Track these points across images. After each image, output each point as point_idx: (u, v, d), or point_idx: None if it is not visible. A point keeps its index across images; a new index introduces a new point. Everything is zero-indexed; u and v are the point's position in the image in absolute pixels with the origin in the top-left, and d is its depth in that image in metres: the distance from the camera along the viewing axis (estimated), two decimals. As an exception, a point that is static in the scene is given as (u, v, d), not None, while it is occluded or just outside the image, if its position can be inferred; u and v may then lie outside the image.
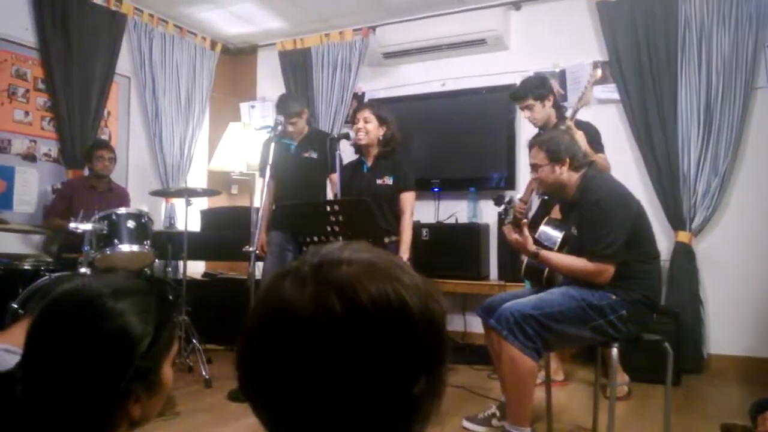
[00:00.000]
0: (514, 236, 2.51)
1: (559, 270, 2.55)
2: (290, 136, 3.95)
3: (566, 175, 2.51)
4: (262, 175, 3.86)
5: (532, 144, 2.61)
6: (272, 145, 3.59)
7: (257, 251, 3.91)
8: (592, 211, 2.41)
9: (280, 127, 3.70)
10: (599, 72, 3.11)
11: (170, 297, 1.04)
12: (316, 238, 2.84)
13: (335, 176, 4.02)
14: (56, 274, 3.18)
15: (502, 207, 2.60)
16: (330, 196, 4.02)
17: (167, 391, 1.01)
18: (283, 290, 0.64)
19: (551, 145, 2.50)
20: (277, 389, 0.62)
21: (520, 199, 3.78)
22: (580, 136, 3.05)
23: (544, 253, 2.50)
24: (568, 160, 2.48)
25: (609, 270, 2.37)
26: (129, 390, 0.91)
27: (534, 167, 2.58)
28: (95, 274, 1.40)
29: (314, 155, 3.90)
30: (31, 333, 0.93)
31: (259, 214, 3.65)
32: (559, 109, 3.54)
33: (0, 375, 0.96)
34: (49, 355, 0.90)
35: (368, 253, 0.67)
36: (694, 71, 4.17)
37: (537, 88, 3.45)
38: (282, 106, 3.90)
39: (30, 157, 4.40)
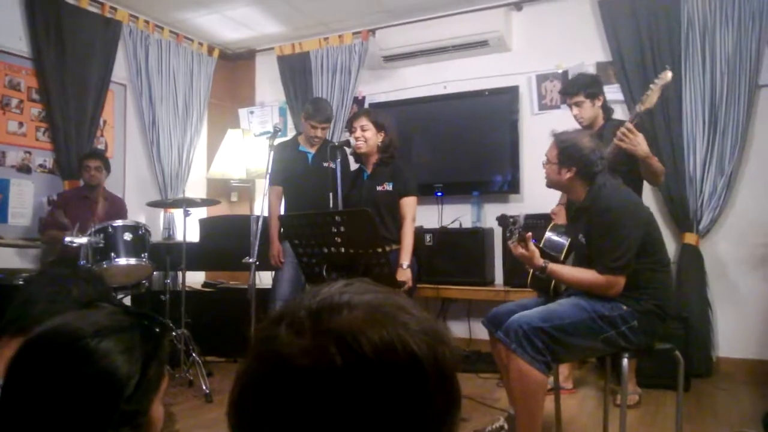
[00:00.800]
0: (520, 251, 2.43)
1: (568, 283, 2.49)
2: (310, 142, 3.92)
3: (569, 180, 2.46)
4: (272, 182, 3.82)
5: (553, 136, 2.55)
6: (271, 150, 3.55)
7: (275, 261, 3.87)
8: (602, 221, 2.36)
9: (313, 135, 3.78)
10: (669, 74, 2.94)
11: (156, 329, 0.96)
12: (317, 249, 2.77)
13: None
14: (26, 276, 3.10)
15: (508, 229, 2.51)
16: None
17: (159, 428, 0.95)
18: (279, 339, 0.59)
19: (566, 148, 2.44)
20: None
21: (559, 203, 3.66)
22: (641, 139, 2.98)
23: (552, 266, 2.44)
24: (575, 168, 2.42)
25: (620, 282, 2.31)
26: None
27: (545, 159, 2.54)
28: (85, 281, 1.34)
29: (333, 165, 3.86)
30: (8, 377, 0.87)
31: (268, 222, 3.59)
32: (607, 110, 3.45)
33: None
34: (29, 399, 0.84)
35: (370, 295, 0.62)
36: (698, 71, 4.11)
37: (589, 86, 3.37)
38: (318, 110, 3.88)
39: (25, 169, 4.33)
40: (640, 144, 2.97)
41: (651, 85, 2.99)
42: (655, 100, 2.98)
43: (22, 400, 0.84)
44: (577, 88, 3.37)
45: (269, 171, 3.60)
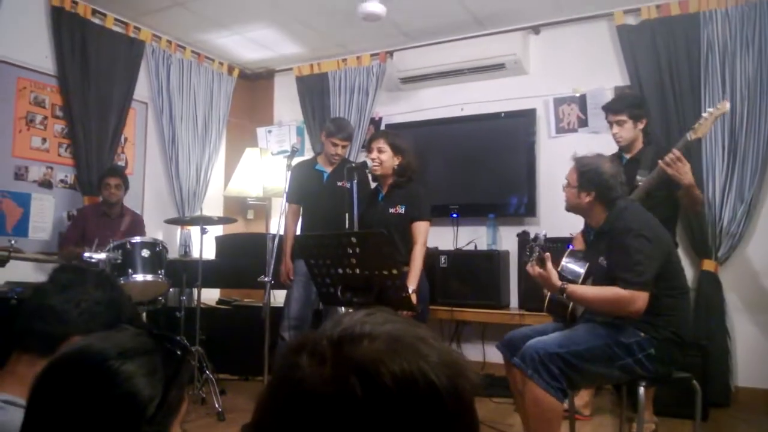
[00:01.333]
0: (538, 271, 2.43)
1: (587, 304, 2.44)
2: (329, 161, 3.95)
3: (589, 204, 2.46)
4: (289, 200, 3.85)
5: (574, 160, 2.54)
6: (289, 170, 3.58)
7: (284, 279, 3.88)
8: (624, 241, 2.33)
9: (333, 153, 3.80)
10: (728, 105, 2.92)
11: (178, 352, 0.97)
12: (332, 269, 2.77)
13: None
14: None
15: (528, 246, 2.51)
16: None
17: None
18: (300, 368, 0.59)
19: (586, 171, 2.44)
20: None
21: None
22: (688, 168, 2.96)
23: (572, 287, 2.42)
24: (594, 193, 2.42)
25: (642, 297, 2.26)
26: None
27: (565, 182, 2.54)
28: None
29: (347, 185, 3.88)
30: (33, 396, 0.87)
31: (282, 240, 3.59)
32: (648, 135, 3.41)
33: None
34: (53, 421, 0.84)
35: (391, 325, 0.62)
36: (718, 95, 4.06)
37: (635, 107, 3.32)
38: (339, 128, 3.91)
39: (46, 184, 4.40)
40: (687, 173, 2.95)
41: (704, 114, 2.97)
42: (707, 129, 2.96)
43: (46, 421, 0.85)
44: (621, 106, 3.31)
45: (287, 189, 3.62)
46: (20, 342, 1.28)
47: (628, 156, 3.36)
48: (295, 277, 3.89)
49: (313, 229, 3.80)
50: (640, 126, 3.31)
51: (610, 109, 3.37)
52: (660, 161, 2.95)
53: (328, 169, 4.01)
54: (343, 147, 3.93)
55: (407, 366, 0.57)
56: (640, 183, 3.08)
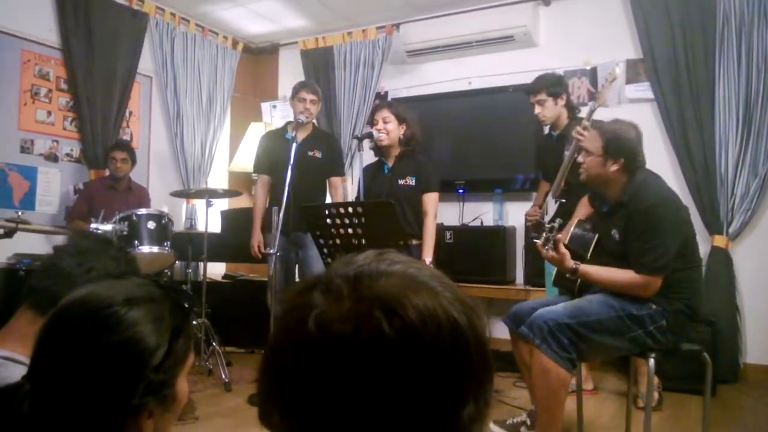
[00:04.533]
0: (551, 254, 2.35)
1: (600, 284, 2.37)
2: (300, 121, 3.72)
3: (614, 174, 2.33)
4: (258, 170, 3.79)
5: (594, 126, 2.47)
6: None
7: (254, 251, 3.81)
8: (642, 220, 2.25)
9: (300, 117, 3.64)
10: (617, 70, 3.02)
11: (186, 304, 0.97)
12: (338, 241, 2.75)
13: (337, 179, 3.92)
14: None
15: (544, 236, 2.37)
16: (331, 199, 3.92)
17: (182, 405, 0.94)
18: (315, 305, 0.56)
19: (613, 138, 2.32)
20: (311, 418, 0.55)
21: (534, 204, 3.68)
22: (595, 137, 2.94)
23: (584, 267, 2.35)
24: (623, 160, 2.30)
25: (656, 283, 2.23)
26: (142, 405, 0.84)
27: (585, 151, 2.42)
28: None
29: (318, 155, 3.81)
30: (38, 344, 0.87)
31: (254, 212, 3.51)
32: (572, 109, 3.50)
33: (4, 390, 0.88)
34: (57, 368, 0.84)
35: (404, 265, 0.60)
36: (733, 68, 3.99)
37: (553, 84, 3.42)
38: (303, 83, 3.88)
39: (52, 158, 4.39)
40: (593, 142, 2.93)
41: (603, 83, 3.06)
42: (606, 97, 3.05)
43: (52, 366, 0.85)
44: (539, 86, 3.43)
45: (254, 160, 3.54)
46: (26, 298, 1.28)
47: (556, 133, 3.49)
48: (277, 251, 3.70)
49: (281, 200, 3.49)
50: (561, 102, 3.43)
51: (529, 90, 3.49)
52: (573, 133, 2.98)
53: (300, 138, 3.73)
54: (312, 102, 3.74)
55: (429, 302, 0.56)
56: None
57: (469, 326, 0.57)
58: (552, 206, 3.48)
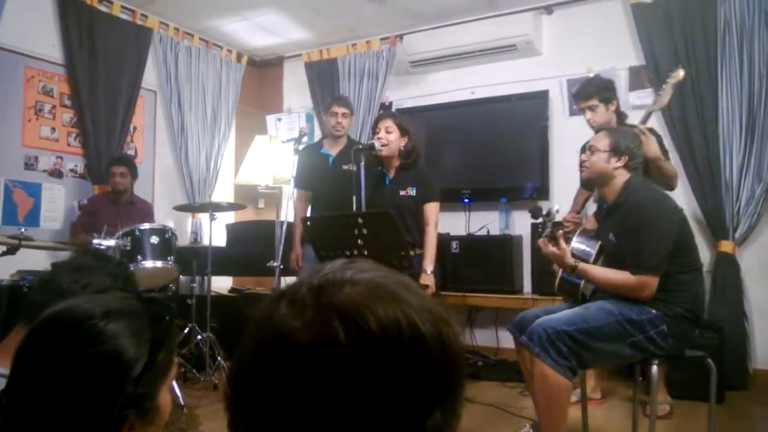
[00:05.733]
0: (550, 249, 2.40)
1: (598, 284, 2.42)
2: (333, 138, 3.88)
3: (617, 171, 2.41)
4: (297, 186, 3.81)
5: (600, 129, 2.56)
6: (296, 154, 3.54)
7: (293, 264, 3.86)
8: (634, 219, 2.30)
9: (335, 124, 3.78)
10: (681, 73, 2.92)
11: (167, 317, 0.97)
12: (339, 252, 2.74)
13: None
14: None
15: (540, 219, 2.48)
16: None
17: (165, 418, 0.94)
18: (279, 315, 0.57)
19: (619, 137, 2.43)
20: (273, 426, 0.55)
21: (572, 210, 3.61)
22: (653, 141, 2.96)
23: (583, 266, 2.38)
24: (626, 158, 2.39)
25: (653, 283, 2.24)
26: (122, 417, 0.84)
27: (591, 149, 2.48)
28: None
29: (354, 168, 3.82)
30: (16, 357, 0.87)
31: (292, 226, 3.53)
32: (621, 115, 3.40)
33: None
34: (35, 381, 0.84)
35: (373, 273, 0.60)
36: (735, 74, 3.98)
37: (605, 90, 3.32)
38: (335, 97, 3.95)
39: (56, 173, 4.41)
40: (650, 145, 2.93)
41: (663, 85, 2.97)
42: (666, 100, 2.97)
43: (29, 379, 0.85)
44: (591, 91, 3.32)
45: (294, 175, 3.59)
46: (23, 314, 1.27)
47: None
48: (305, 263, 3.85)
49: (320, 213, 3.75)
50: (612, 108, 3.32)
51: (580, 95, 3.38)
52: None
53: (334, 152, 3.95)
54: (344, 115, 3.86)
55: (392, 311, 0.55)
56: None
57: (435, 335, 0.56)
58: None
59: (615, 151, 2.40)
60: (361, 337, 0.53)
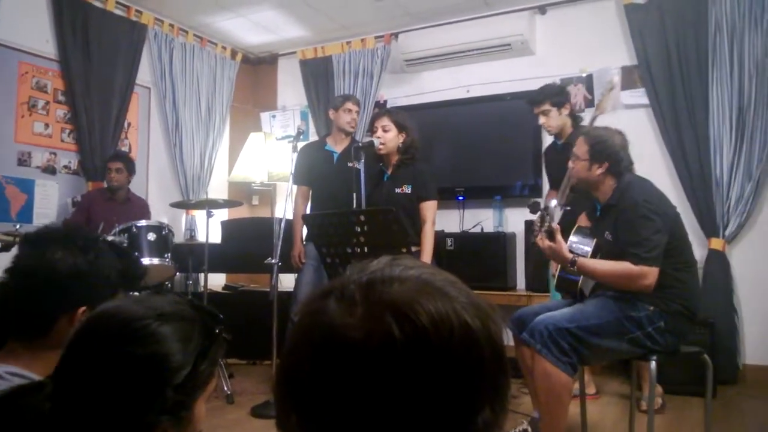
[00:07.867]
0: (547, 244, 2.41)
1: (597, 277, 2.43)
2: (346, 131, 3.90)
3: (600, 177, 2.43)
4: (298, 182, 3.81)
5: (582, 134, 2.58)
6: (295, 151, 3.54)
7: (295, 261, 3.86)
8: (631, 215, 2.33)
9: (349, 120, 3.81)
10: (616, 79, 3.08)
11: (217, 330, 0.96)
12: (341, 249, 2.75)
13: None
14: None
15: (539, 214, 2.50)
16: None
17: (197, 430, 0.93)
18: (329, 312, 0.57)
19: (596, 144, 2.43)
20: (326, 422, 0.55)
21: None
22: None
23: (582, 260, 2.40)
24: (607, 164, 2.40)
25: (653, 273, 2.26)
26: (157, 423, 0.84)
27: (573, 157, 2.52)
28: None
29: (358, 166, 3.84)
30: (68, 346, 0.88)
31: (292, 223, 3.54)
32: (575, 119, 3.55)
33: (26, 387, 0.89)
34: (82, 372, 0.85)
35: (419, 269, 0.61)
36: (726, 74, 4.04)
37: (556, 94, 3.48)
38: (346, 95, 3.97)
39: (50, 170, 4.38)
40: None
41: (602, 90, 3.19)
42: (606, 105, 3.16)
43: (76, 370, 0.85)
44: (542, 97, 3.48)
45: (293, 171, 3.60)
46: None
47: (561, 141, 3.53)
48: (306, 261, 3.85)
49: (323, 211, 3.75)
50: (565, 112, 3.48)
51: (533, 101, 3.53)
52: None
53: (339, 149, 3.95)
54: (357, 112, 3.92)
55: (442, 307, 0.56)
56: None
57: (484, 331, 0.57)
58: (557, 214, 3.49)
59: (594, 157, 2.42)
60: (414, 333, 0.54)
